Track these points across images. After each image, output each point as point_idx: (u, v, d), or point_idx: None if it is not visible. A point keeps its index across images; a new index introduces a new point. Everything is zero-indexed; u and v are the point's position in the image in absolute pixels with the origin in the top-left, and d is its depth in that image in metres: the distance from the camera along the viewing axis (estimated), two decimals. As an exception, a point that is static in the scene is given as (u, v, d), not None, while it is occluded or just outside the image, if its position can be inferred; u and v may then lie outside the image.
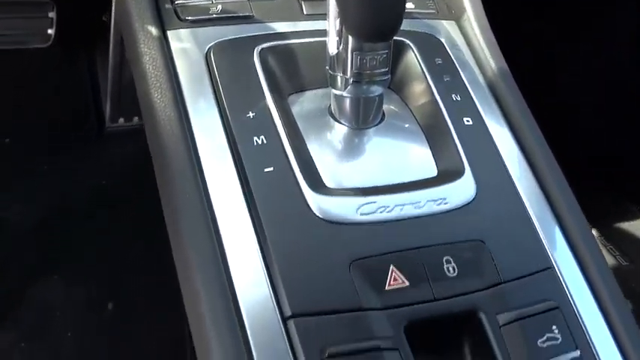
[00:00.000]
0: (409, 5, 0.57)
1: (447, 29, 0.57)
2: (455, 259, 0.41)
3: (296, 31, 0.53)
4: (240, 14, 0.52)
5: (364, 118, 0.48)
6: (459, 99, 0.51)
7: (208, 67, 0.49)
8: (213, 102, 0.47)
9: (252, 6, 0.53)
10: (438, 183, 0.45)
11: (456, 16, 0.58)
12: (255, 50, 0.49)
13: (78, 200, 1.25)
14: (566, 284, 0.42)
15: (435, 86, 0.51)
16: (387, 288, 0.39)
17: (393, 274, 0.40)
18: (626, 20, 1.15)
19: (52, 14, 1.04)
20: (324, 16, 0.45)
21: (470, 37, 0.56)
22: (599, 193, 1.34)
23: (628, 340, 0.40)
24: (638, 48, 1.14)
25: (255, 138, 0.45)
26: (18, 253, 1.17)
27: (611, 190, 1.35)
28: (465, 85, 0.52)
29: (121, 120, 1.32)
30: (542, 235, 0.44)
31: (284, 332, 0.37)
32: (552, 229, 0.45)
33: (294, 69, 0.52)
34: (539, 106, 0.56)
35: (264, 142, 0.45)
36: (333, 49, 0.45)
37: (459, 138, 0.48)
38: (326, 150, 0.47)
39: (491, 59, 0.54)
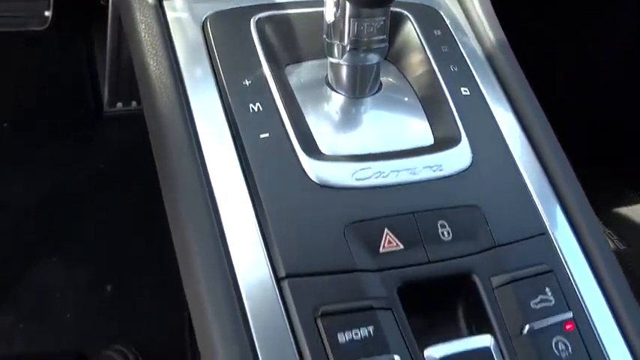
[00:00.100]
0: (407, -24, 0.57)
1: (446, 1, 0.57)
2: (449, 223, 0.41)
3: (293, 1, 0.52)
4: None
5: (361, 87, 0.48)
6: (456, 70, 0.51)
7: (205, 36, 0.49)
8: (209, 70, 0.47)
9: None
10: (434, 150, 0.45)
11: (455, -12, 0.58)
12: (252, 20, 0.49)
13: (77, 184, 1.25)
14: (560, 249, 0.43)
15: (433, 57, 0.50)
16: (381, 251, 0.40)
17: (388, 237, 0.40)
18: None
19: (49, -4, 1.03)
20: (321, -16, 0.45)
21: (469, 8, 0.56)
22: (598, 178, 1.34)
23: (621, 303, 0.41)
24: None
25: (251, 105, 0.45)
26: (17, 236, 1.18)
27: (609, 176, 1.35)
28: (463, 56, 0.52)
29: (119, 105, 1.32)
30: (537, 202, 0.45)
31: (278, 293, 0.37)
32: (548, 195, 0.45)
33: (291, 39, 0.51)
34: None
35: (260, 109, 0.45)
36: (330, 16, 0.45)
37: (456, 107, 0.48)
38: (322, 118, 0.47)
39: (490, 31, 0.54)
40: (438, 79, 0.49)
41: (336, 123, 0.47)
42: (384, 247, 0.40)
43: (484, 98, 0.49)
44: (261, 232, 0.40)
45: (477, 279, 0.40)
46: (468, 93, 0.49)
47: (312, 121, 0.46)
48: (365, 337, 0.36)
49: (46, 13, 1.09)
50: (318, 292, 0.37)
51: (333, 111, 0.48)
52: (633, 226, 1.33)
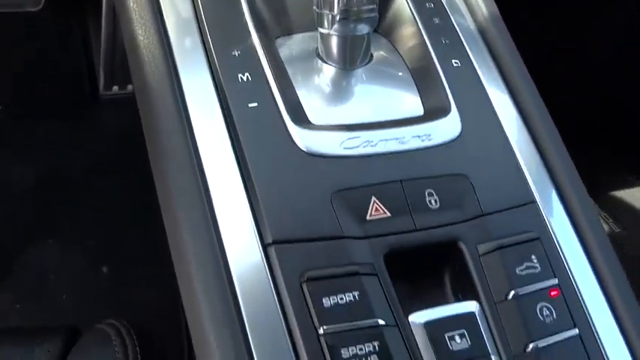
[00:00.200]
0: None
1: (438, -27, 0.57)
2: (437, 192, 0.41)
3: (284, -28, 0.52)
4: None
5: (351, 58, 0.47)
6: (448, 42, 0.50)
7: (194, 8, 0.49)
8: (198, 42, 0.47)
9: None
10: (424, 120, 0.45)
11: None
12: (242, -8, 0.49)
13: (73, 167, 1.25)
14: (547, 218, 0.43)
15: (425, 29, 0.50)
16: (368, 218, 0.40)
17: (375, 205, 0.40)
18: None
19: (42, -24, 1.03)
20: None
21: (461, -19, 0.56)
22: (595, 161, 1.35)
23: (607, 270, 0.41)
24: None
25: (240, 75, 0.45)
26: (13, 218, 1.18)
27: (607, 158, 1.35)
28: (455, 28, 0.52)
29: (115, 88, 1.32)
30: (525, 172, 0.44)
31: (264, 259, 0.38)
32: (536, 165, 0.45)
33: (282, 12, 0.51)
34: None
35: (249, 79, 0.44)
36: (319, -15, 0.45)
37: (446, 79, 0.47)
38: (312, 89, 0.47)
39: (482, 3, 0.54)
40: (429, 51, 0.49)
41: (326, 94, 0.47)
42: (370, 214, 0.40)
43: (475, 70, 0.49)
44: (248, 199, 0.40)
45: (463, 246, 0.40)
46: (459, 65, 0.49)
47: (302, 92, 0.46)
48: (350, 301, 0.36)
49: (39, -7, 1.08)
50: (305, 258, 0.37)
51: (323, 82, 0.47)
52: (629, 209, 1.33)
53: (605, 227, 1.33)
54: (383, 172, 0.42)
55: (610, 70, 1.21)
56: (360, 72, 0.48)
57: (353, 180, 0.41)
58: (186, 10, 0.49)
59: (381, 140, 0.43)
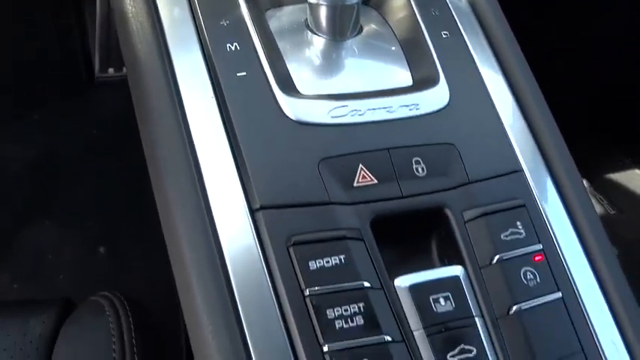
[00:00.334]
0: None
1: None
2: (424, 160, 0.42)
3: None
4: None
5: (341, 28, 0.47)
6: (437, 13, 0.50)
7: None
8: (187, 10, 0.46)
9: None
10: (412, 90, 0.45)
11: None
12: (231, -39, 0.49)
13: (69, 148, 1.26)
14: (534, 187, 0.43)
15: (415, 0, 0.50)
16: (355, 185, 0.40)
17: (362, 172, 0.40)
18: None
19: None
20: None
21: (452, -48, 0.56)
22: (591, 144, 1.35)
23: (592, 236, 0.41)
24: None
25: (229, 44, 0.45)
26: (11, 200, 1.18)
27: (602, 141, 1.35)
28: (445, 0, 0.52)
29: (111, 70, 1.31)
30: (513, 141, 0.45)
31: (252, 224, 0.38)
32: (524, 135, 0.45)
33: (271, -18, 0.51)
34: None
35: (238, 48, 0.44)
36: (308, -46, 0.45)
37: (435, 50, 0.47)
38: (301, 59, 0.47)
39: (473, -24, 0.54)
40: (418, 22, 0.49)
41: (315, 65, 0.47)
42: (357, 181, 0.40)
43: (464, 41, 0.49)
44: (236, 166, 0.40)
45: (449, 213, 0.40)
46: (448, 36, 0.49)
47: (291, 62, 0.46)
48: (336, 264, 0.37)
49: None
50: (292, 223, 0.38)
51: (311, 52, 0.47)
52: (624, 192, 1.34)
53: (600, 210, 1.34)
54: (370, 140, 0.42)
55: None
56: (349, 43, 0.48)
57: (340, 148, 0.41)
58: (175, -18, 0.49)
59: (369, 109, 0.43)
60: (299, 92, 0.44)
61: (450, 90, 0.45)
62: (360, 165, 0.41)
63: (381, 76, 0.47)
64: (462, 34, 0.50)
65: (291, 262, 0.37)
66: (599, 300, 0.40)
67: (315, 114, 0.42)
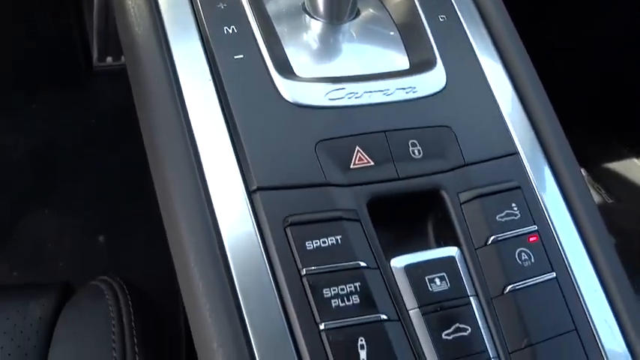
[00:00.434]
0: None
1: None
2: (420, 142, 0.42)
3: None
4: None
5: (338, 12, 0.47)
6: (435, -3, 0.51)
7: None
8: (185, -4, 0.47)
9: None
10: (409, 74, 0.45)
11: None
12: (229, -56, 0.49)
13: (68, 137, 1.26)
14: (529, 169, 0.43)
15: None
16: (351, 167, 0.40)
17: (359, 154, 0.41)
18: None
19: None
20: None
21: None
22: (590, 134, 1.35)
23: (586, 217, 0.41)
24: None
25: (226, 27, 0.45)
26: (10, 189, 1.19)
27: (600, 131, 1.36)
28: None
29: (109, 59, 1.31)
30: (509, 124, 0.45)
31: (249, 205, 0.38)
32: (520, 118, 0.46)
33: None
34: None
35: (235, 31, 0.44)
36: (306, -64, 0.45)
37: (432, 33, 0.47)
38: (298, 43, 0.47)
39: (470, -41, 0.54)
40: (415, 5, 0.49)
41: (313, 48, 0.47)
42: (354, 163, 0.40)
43: (461, 25, 0.49)
44: (234, 148, 0.40)
45: (445, 195, 0.41)
46: (445, 19, 0.49)
47: (288, 45, 0.46)
48: (332, 244, 0.37)
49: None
50: (289, 204, 0.38)
51: (309, 35, 0.47)
52: (622, 181, 1.34)
53: (598, 199, 1.34)
54: (367, 122, 0.42)
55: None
56: (346, 27, 0.48)
57: (337, 130, 0.41)
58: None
59: (366, 92, 0.43)
60: (296, 75, 0.44)
61: (446, 73, 0.46)
62: (357, 147, 0.41)
63: (378, 60, 0.48)
64: (459, 18, 0.50)
65: (288, 242, 0.37)
66: (593, 280, 0.41)
67: (313, 96, 0.42)
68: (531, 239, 0.40)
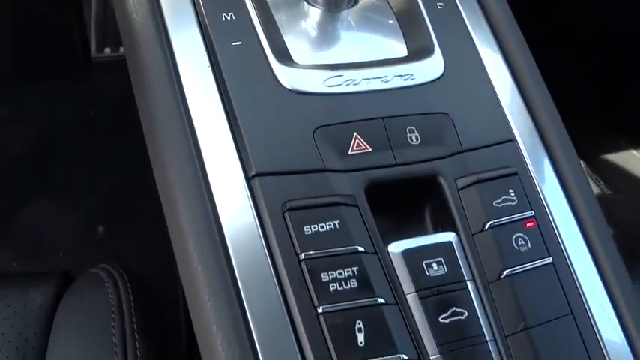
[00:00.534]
0: None
1: None
2: (418, 129, 0.42)
3: None
4: None
5: None
6: (432, -15, 0.51)
7: None
8: (183, -17, 0.47)
9: None
10: (407, 61, 0.45)
11: None
12: None
13: (67, 129, 1.26)
14: (526, 156, 0.43)
15: None
16: (349, 153, 0.40)
17: (357, 140, 0.41)
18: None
19: None
20: None
21: None
22: (588, 125, 1.35)
23: (583, 204, 0.42)
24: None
25: (224, 14, 0.45)
26: (9, 180, 1.19)
27: (599, 123, 1.36)
28: None
29: (107, 50, 1.31)
30: (507, 112, 0.45)
31: (248, 191, 0.38)
32: (518, 105, 0.46)
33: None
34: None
35: (233, 17, 0.44)
36: None
37: (430, 20, 0.47)
38: (296, 30, 0.47)
39: (469, -53, 0.54)
40: None
41: (311, 35, 0.47)
42: (352, 149, 0.41)
43: (459, 12, 0.49)
44: (232, 135, 0.40)
45: (442, 181, 0.41)
46: (444, 7, 0.49)
47: (287, 32, 0.46)
48: (330, 229, 0.37)
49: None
50: (287, 190, 0.38)
51: (307, 22, 0.47)
52: (620, 173, 1.34)
53: (597, 190, 1.35)
54: (365, 109, 0.42)
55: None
56: (345, 14, 0.48)
57: (335, 117, 0.41)
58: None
59: (364, 79, 0.43)
60: (294, 62, 0.44)
61: (444, 61, 0.46)
62: (355, 133, 0.41)
63: (377, 47, 0.48)
64: (457, 6, 0.50)
65: (287, 227, 0.37)
66: (590, 266, 0.41)
67: (311, 83, 0.42)
68: (528, 225, 0.40)
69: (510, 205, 0.40)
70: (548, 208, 0.42)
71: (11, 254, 1.10)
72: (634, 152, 1.35)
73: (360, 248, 0.37)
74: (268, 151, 0.39)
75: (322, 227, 0.37)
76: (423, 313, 0.37)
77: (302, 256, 0.36)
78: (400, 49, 0.48)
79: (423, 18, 0.48)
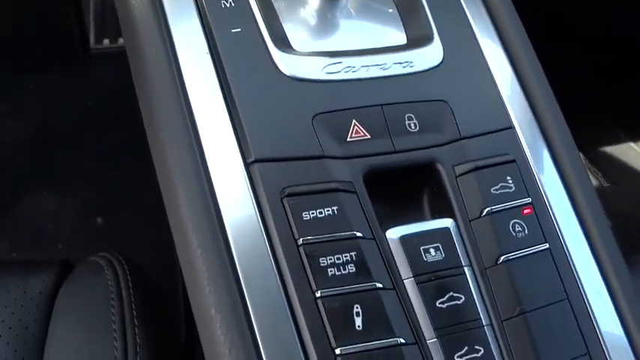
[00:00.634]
0: None
1: None
2: (416, 116, 0.42)
3: None
4: None
5: None
6: (433, -27, 0.51)
7: None
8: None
9: None
10: (406, 48, 0.45)
11: None
12: None
13: (65, 120, 1.25)
14: (525, 143, 0.44)
15: None
16: (348, 139, 0.41)
17: (355, 127, 0.41)
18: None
19: None
20: None
21: None
22: (587, 118, 1.35)
23: (581, 193, 0.42)
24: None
25: (223, 1, 0.45)
26: (8, 171, 1.19)
27: (598, 115, 1.36)
28: None
29: (106, 42, 1.31)
30: (506, 100, 0.45)
31: (247, 177, 0.39)
32: (516, 94, 0.46)
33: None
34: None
35: (232, 4, 0.44)
36: None
37: (429, 9, 0.48)
38: (296, 17, 0.47)
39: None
40: None
41: (310, 22, 0.47)
42: (351, 136, 0.41)
43: (459, 1, 0.49)
44: (231, 121, 0.40)
45: (440, 168, 0.41)
46: (443, -5, 0.49)
47: (286, 19, 0.46)
48: (329, 215, 0.37)
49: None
50: (286, 176, 0.38)
51: (307, 11, 0.47)
52: (619, 165, 1.35)
53: (595, 182, 1.35)
54: (364, 96, 0.42)
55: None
56: (344, 2, 0.48)
57: (334, 103, 0.41)
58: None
59: (363, 66, 0.44)
60: (293, 48, 0.44)
61: (443, 48, 0.46)
62: (354, 120, 0.41)
63: (376, 35, 0.48)
64: None
65: (285, 212, 0.37)
66: (586, 252, 0.41)
67: (310, 70, 0.43)
68: (525, 211, 0.40)
69: (508, 191, 0.41)
70: (546, 195, 0.42)
71: (10, 245, 1.10)
72: (633, 144, 1.35)
73: (358, 234, 0.37)
74: (267, 137, 0.40)
75: (321, 213, 0.38)
76: (421, 298, 0.37)
77: (300, 241, 0.37)
78: (399, 37, 0.48)
79: (423, 6, 0.48)
